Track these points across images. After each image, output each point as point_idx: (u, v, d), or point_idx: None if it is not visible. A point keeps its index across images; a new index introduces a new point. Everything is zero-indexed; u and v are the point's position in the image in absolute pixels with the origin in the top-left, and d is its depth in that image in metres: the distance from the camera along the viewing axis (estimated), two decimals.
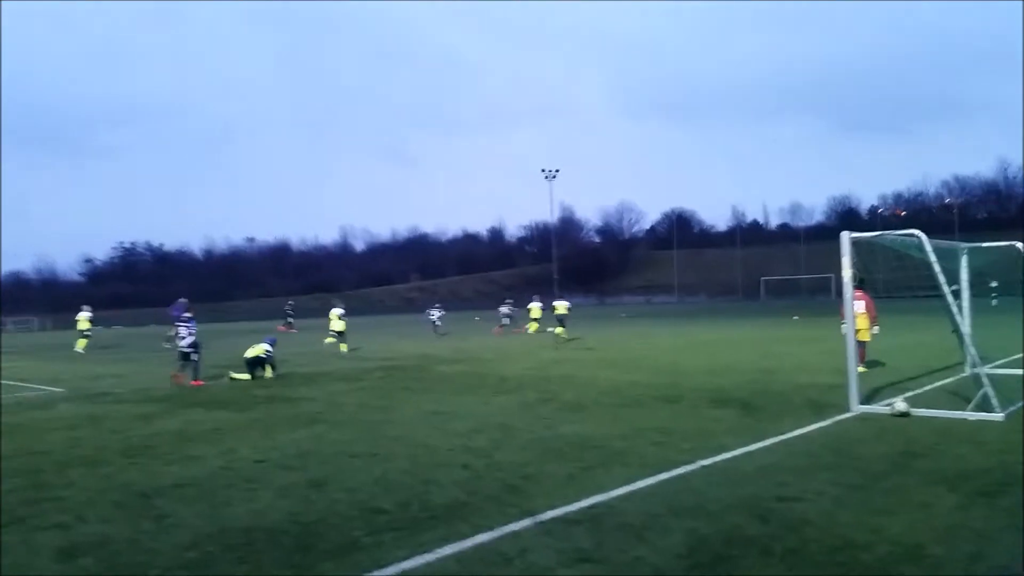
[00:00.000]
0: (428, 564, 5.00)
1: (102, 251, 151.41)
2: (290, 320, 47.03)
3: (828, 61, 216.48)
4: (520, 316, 36.94)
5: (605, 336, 30.37)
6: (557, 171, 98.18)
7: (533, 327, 33.49)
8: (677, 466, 7.52)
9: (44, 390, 16.72)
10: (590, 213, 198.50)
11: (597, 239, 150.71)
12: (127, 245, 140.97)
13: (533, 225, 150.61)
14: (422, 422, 10.78)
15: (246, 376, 17.15)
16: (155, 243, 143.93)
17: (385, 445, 9.13)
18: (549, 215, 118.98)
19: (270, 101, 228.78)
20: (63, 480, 7.79)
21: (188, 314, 17.68)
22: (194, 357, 16.71)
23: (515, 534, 5.55)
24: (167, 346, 18.99)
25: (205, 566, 5.14)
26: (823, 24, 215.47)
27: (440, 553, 5.18)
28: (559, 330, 29.51)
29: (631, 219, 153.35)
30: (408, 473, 7.62)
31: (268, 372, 17.45)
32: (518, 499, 6.48)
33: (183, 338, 16.81)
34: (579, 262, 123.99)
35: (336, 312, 26.26)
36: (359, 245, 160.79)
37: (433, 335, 34.31)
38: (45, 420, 12.11)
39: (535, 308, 33.87)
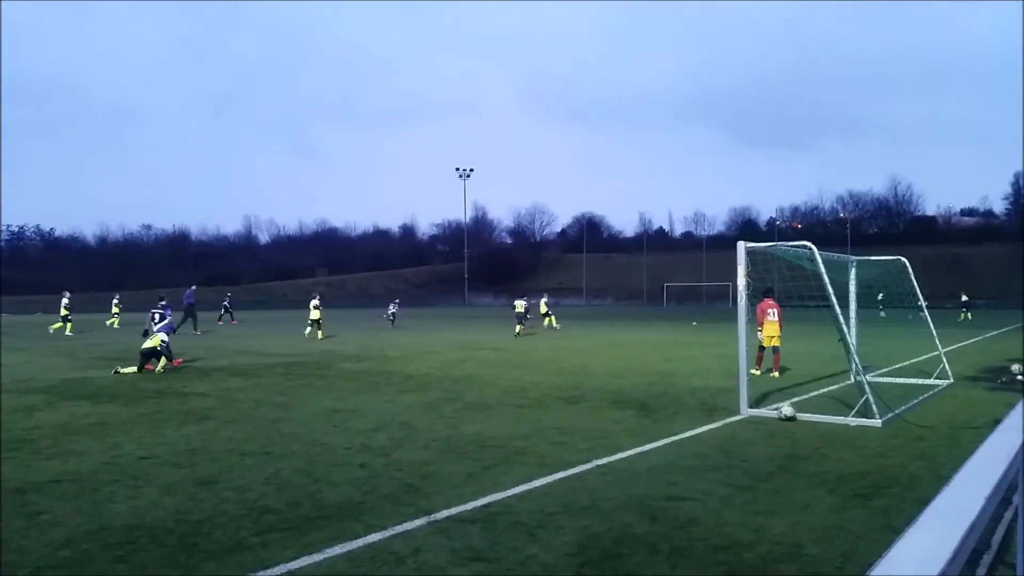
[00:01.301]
0: (316, 564, 4.91)
1: None
2: (229, 312, 44.82)
3: (730, 75, 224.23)
4: (534, 312, 37.81)
5: (512, 337, 30.48)
6: (471, 170, 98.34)
7: (548, 321, 37.04)
8: (574, 465, 7.64)
9: None
10: (503, 213, 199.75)
11: (509, 240, 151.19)
12: (14, 229, 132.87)
13: (446, 223, 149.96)
14: (321, 420, 10.58)
15: (132, 369, 16.46)
16: (45, 228, 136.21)
17: (280, 443, 8.92)
18: (462, 214, 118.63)
19: (169, 86, 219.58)
20: None
21: (163, 303, 19.71)
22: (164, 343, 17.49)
23: (409, 533, 5.51)
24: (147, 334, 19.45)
25: (81, 565, 4.91)
26: (725, 40, 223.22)
27: (329, 553, 5.10)
28: (519, 327, 31.68)
29: (543, 221, 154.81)
30: (302, 472, 7.47)
31: (160, 365, 16.78)
32: (415, 498, 6.45)
33: (156, 323, 18.75)
34: (491, 262, 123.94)
35: (313, 302, 29.56)
36: (264, 237, 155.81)
37: (389, 326, 38.43)
38: None
39: (542, 305, 37.83)
